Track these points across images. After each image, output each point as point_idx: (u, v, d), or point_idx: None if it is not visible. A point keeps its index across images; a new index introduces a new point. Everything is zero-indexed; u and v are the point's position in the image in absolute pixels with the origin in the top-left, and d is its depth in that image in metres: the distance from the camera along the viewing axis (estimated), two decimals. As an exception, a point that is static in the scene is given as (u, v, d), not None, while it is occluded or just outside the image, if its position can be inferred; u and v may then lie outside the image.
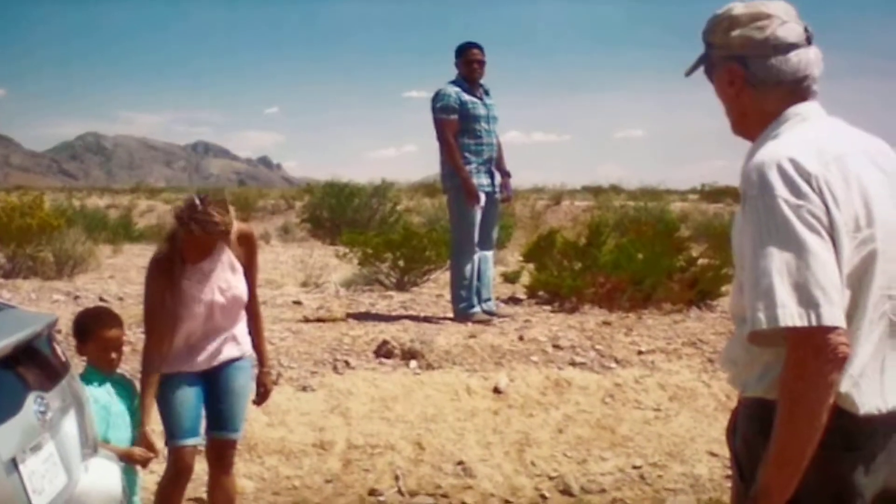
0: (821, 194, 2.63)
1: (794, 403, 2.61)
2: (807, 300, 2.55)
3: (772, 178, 2.65)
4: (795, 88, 2.92)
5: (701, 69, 3.10)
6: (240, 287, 5.54)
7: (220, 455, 5.66)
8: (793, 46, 2.89)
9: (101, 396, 5.13)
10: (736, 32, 2.91)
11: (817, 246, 2.58)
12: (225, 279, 5.46)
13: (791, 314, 2.55)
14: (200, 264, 5.38)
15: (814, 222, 2.60)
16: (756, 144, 2.90)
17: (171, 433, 5.45)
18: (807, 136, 2.81)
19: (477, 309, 10.23)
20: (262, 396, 5.94)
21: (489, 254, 10.51)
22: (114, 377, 5.33)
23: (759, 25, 2.90)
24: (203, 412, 5.55)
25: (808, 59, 2.92)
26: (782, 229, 2.60)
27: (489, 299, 10.55)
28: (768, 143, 2.82)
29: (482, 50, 10.28)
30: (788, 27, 2.90)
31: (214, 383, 5.51)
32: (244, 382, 5.67)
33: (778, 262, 2.58)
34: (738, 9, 2.94)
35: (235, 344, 5.59)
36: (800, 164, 2.66)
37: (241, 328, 5.64)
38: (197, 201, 5.20)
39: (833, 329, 2.55)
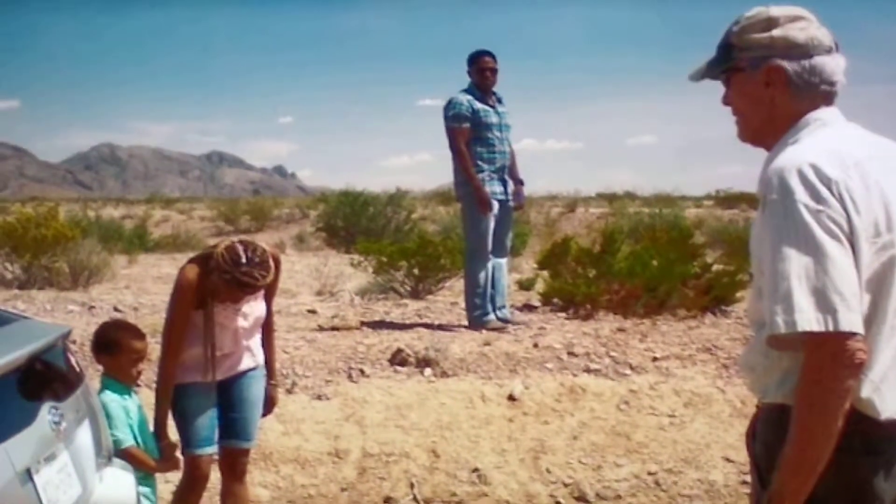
0: (841, 200, 2.63)
1: (810, 409, 2.61)
2: (825, 305, 2.55)
3: (792, 182, 2.65)
4: (827, 93, 2.91)
5: (708, 73, 3.09)
6: (261, 308, 5.56)
7: (234, 464, 5.66)
8: (830, 49, 2.90)
9: (130, 406, 5.16)
10: (777, 32, 2.89)
11: (836, 251, 2.58)
12: (250, 305, 5.47)
13: (809, 319, 2.55)
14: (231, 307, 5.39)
15: (833, 228, 2.59)
16: (775, 150, 2.89)
17: (188, 442, 5.44)
18: (828, 142, 2.80)
19: (491, 316, 10.21)
20: (268, 408, 5.91)
21: (503, 261, 10.49)
22: (131, 388, 5.34)
23: (800, 27, 2.89)
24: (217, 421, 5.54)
25: (839, 65, 2.92)
26: (801, 234, 2.60)
27: (504, 307, 10.51)
28: (788, 149, 2.82)
29: (494, 58, 10.25)
30: (824, 32, 2.91)
31: (229, 393, 5.50)
32: (258, 392, 5.67)
33: (796, 266, 2.58)
34: (775, 10, 2.93)
35: (251, 355, 5.60)
36: (821, 170, 2.65)
37: (256, 340, 5.65)
38: (242, 257, 5.06)
39: (851, 335, 2.55)
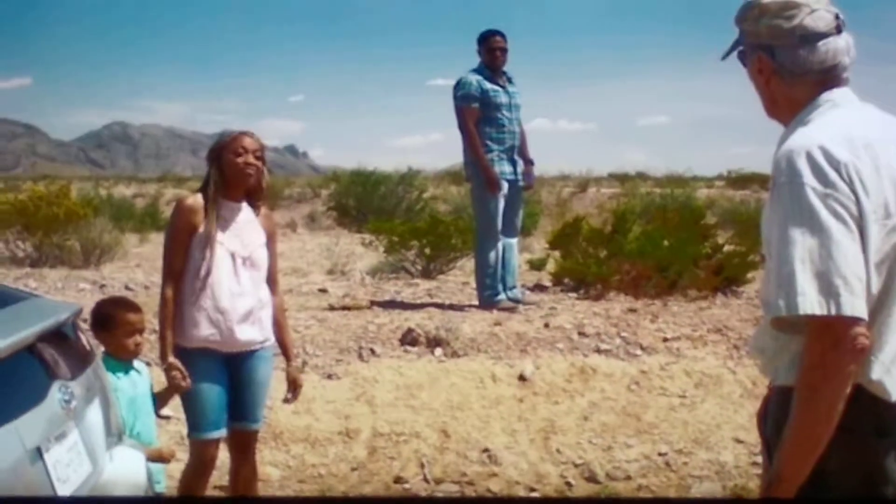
0: (850, 183, 2.62)
1: (811, 392, 2.63)
2: (827, 289, 2.55)
3: (800, 165, 2.65)
4: (824, 78, 2.90)
5: (734, 54, 3.10)
6: (262, 250, 5.52)
7: (244, 446, 5.65)
8: (821, 36, 2.88)
9: (125, 386, 5.13)
10: (764, 21, 2.91)
11: (842, 235, 2.58)
12: (248, 233, 5.46)
13: (811, 302, 2.55)
14: (229, 208, 5.40)
15: (840, 211, 2.59)
16: (787, 131, 2.90)
17: (196, 425, 5.42)
18: (838, 123, 2.79)
19: (502, 296, 10.21)
20: (294, 392, 5.87)
21: (514, 241, 10.53)
22: (132, 364, 5.31)
23: (788, 15, 2.88)
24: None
25: (837, 48, 2.89)
26: (808, 217, 2.60)
27: (514, 287, 10.51)
28: (799, 130, 2.82)
29: (504, 37, 10.25)
30: (817, 16, 2.88)
31: (237, 373, 5.45)
32: (267, 373, 5.63)
33: (801, 249, 2.58)
34: None
35: (261, 327, 5.51)
36: (830, 152, 2.65)
37: (266, 312, 5.58)
38: (227, 136, 5.40)
39: (853, 320, 2.56)
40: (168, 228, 5.50)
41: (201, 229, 5.29)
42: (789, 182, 2.66)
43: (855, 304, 2.55)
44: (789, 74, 2.90)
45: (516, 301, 10.34)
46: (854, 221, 2.60)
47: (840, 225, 2.58)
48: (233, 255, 5.35)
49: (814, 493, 2.71)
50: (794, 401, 2.65)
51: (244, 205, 5.48)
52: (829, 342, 2.57)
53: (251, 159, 5.37)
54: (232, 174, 5.36)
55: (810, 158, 2.65)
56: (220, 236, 5.31)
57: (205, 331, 5.31)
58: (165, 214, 32.38)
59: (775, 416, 2.90)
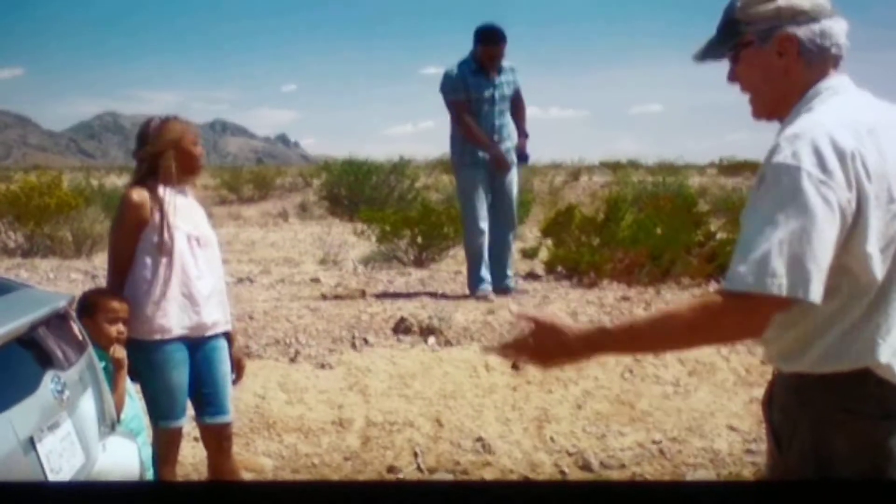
0: (853, 170, 2.62)
1: (690, 330, 2.73)
2: (799, 273, 2.57)
3: (802, 150, 2.64)
4: (836, 58, 2.91)
5: (713, 53, 3.07)
6: (209, 228, 5.57)
7: (220, 439, 5.60)
8: (833, 13, 2.89)
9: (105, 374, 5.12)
10: (782, 1, 2.87)
11: (827, 224, 2.59)
12: (193, 214, 5.49)
13: (779, 285, 2.57)
14: (175, 194, 5.36)
15: (832, 200, 2.59)
16: (788, 119, 2.88)
17: (162, 414, 5.37)
18: (841, 110, 2.79)
19: (486, 287, 10.05)
20: (239, 373, 5.86)
21: (507, 230, 10.38)
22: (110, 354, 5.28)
23: None
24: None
25: (843, 30, 2.91)
26: (798, 201, 2.59)
27: (507, 276, 10.38)
28: (803, 116, 2.81)
29: (503, 39, 10.02)
30: None
31: (201, 366, 5.41)
32: (227, 363, 5.59)
33: (783, 231, 2.58)
34: None
35: (224, 310, 5.54)
36: (835, 140, 2.64)
37: (223, 294, 5.59)
38: (157, 120, 5.48)
39: (809, 305, 2.61)
40: (116, 225, 5.45)
41: (156, 218, 5.25)
42: (787, 164, 2.64)
43: (819, 292, 2.58)
44: (817, 51, 2.88)
45: (506, 290, 10.21)
46: (841, 212, 2.60)
47: (828, 213, 2.58)
48: (188, 239, 5.33)
49: (821, 475, 2.73)
50: (659, 313, 2.83)
51: (184, 188, 5.48)
52: (758, 320, 2.65)
53: (201, 150, 5.51)
54: (189, 163, 5.41)
55: (813, 144, 2.63)
56: (172, 219, 5.28)
57: (175, 319, 5.28)
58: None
59: (782, 400, 2.92)
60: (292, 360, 8.06)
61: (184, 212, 5.38)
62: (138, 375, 5.39)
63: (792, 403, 2.84)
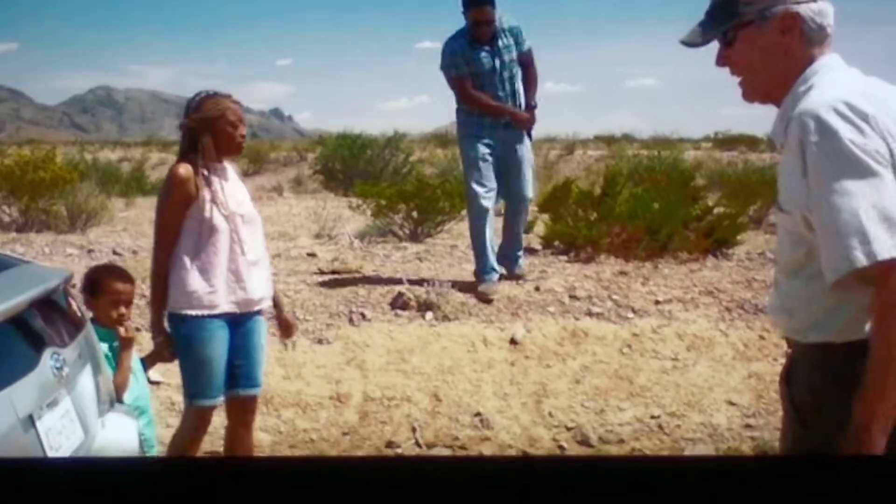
0: (879, 131, 2.66)
1: (891, 332, 2.62)
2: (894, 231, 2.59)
3: (833, 122, 2.66)
4: (829, 38, 2.93)
5: (708, 35, 3.05)
6: (251, 204, 5.57)
7: (244, 411, 5.62)
8: None
9: (110, 354, 5.09)
10: None
11: (890, 180, 2.64)
12: (238, 190, 5.50)
13: (888, 247, 2.58)
14: (219, 170, 5.38)
15: (881, 158, 2.64)
16: (791, 97, 2.90)
17: (198, 392, 5.36)
18: (848, 82, 2.83)
19: (494, 276, 9.42)
20: (290, 336, 6.09)
21: (518, 206, 9.67)
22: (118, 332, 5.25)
23: None
24: None
25: (831, 10, 2.94)
26: (857, 169, 2.63)
27: (517, 259, 9.86)
28: (812, 93, 2.83)
29: (492, 3, 9.10)
30: None
31: (239, 337, 5.43)
32: (264, 337, 5.64)
33: (861, 200, 2.60)
34: None
35: (268, 286, 5.59)
36: (855, 106, 2.68)
37: (268, 270, 5.65)
38: (202, 95, 5.43)
39: None
40: (163, 200, 5.39)
41: (204, 195, 5.24)
42: (826, 140, 2.66)
43: None
44: (817, 29, 2.90)
45: (518, 276, 9.73)
46: (892, 166, 2.65)
47: (886, 170, 2.63)
48: (234, 215, 5.33)
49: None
50: (872, 347, 2.63)
51: (226, 164, 5.48)
52: None
53: (244, 130, 5.43)
54: (227, 144, 5.37)
55: (840, 114, 2.67)
56: (218, 198, 5.28)
57: (223, 295, 5.30)
58: (151, 178, 32.34)
59: (807, 377, 2.92)
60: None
61: (228, 188, 5.39)
62: (178, 350, 5.39)
63: (817, 378, 2.84)
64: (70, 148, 50.64)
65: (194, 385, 5.37)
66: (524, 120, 9.32)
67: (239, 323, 5.41)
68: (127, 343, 5.17)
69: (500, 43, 9.25)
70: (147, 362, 5.54)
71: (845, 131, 2.64)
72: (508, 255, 9.74)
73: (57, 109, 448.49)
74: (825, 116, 2.67)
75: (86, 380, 4.09)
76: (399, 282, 9.35)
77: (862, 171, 2.61)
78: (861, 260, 2.58)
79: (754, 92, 3.03)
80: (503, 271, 9.65)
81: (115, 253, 11.53)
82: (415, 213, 14.86)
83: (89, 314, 5.19)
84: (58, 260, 10.91)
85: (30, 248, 12.02)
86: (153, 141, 77.64)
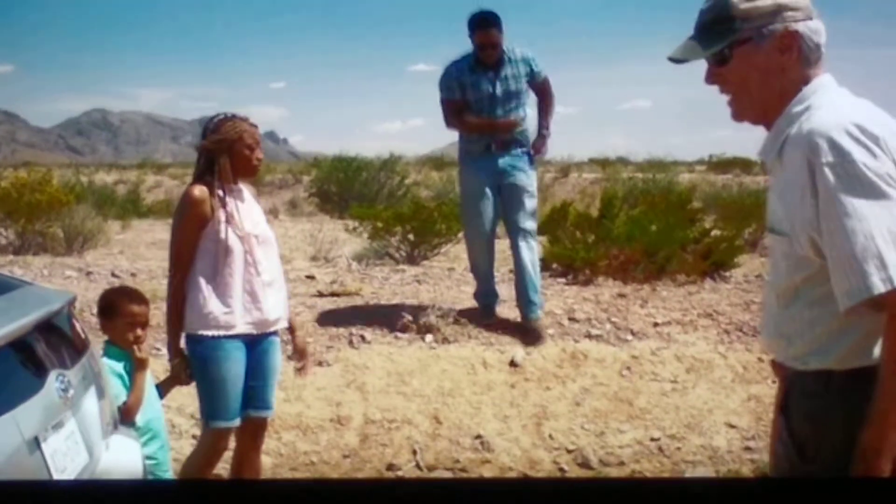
0: (888, 151, 2.65)
1: None
2: None
3: (846, 144, 2.64)
4: (824, 56, 2.91)
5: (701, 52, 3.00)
6: (267, 225, 5.60)
7: (255, 434, 5.64)
8: (814, 14, 2.89)
9: (126, 375, 5.10)
10: None
11: None
12: (253, 212, 5.52)
13: None
14: (234, 192, 5.41)
15: (892, 181, 2.62)
16: (786, 117, 2.87)
17: (216, 413, 5.36)
18: (852, 103, 2.82)
19: (491, 304, 9.21)
20: (304, 362, 5.99)
21: (516, 237, 8.98)
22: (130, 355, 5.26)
23: None
24: None
25: (823, 29, 2.92)
26: (871, 192, 2.60)
27: (530, 302, 8.95)
28: (816, 113, 2.79)
29: (497, 25, 8.76)
30: None
31: (254, 359, 5.44)
32: (279, 357, 5.67)
33: (876, 224, 2.58)
34: None
35: (283, 306, 5.60)
36: (866, 129, 2.65)
37: (283, 290, 5.67)
38: (220, 117, 5.44)
39: None
40: (178, 221, 5.39)
41: (219, 216, 5.26)
42: (839, 162, 2.63)
43: None
44: (814, 48, 2.89)
45: (531, 323, 8.91)
46: None
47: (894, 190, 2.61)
48: (249, 236, 5.35)
49: None
50: (882, 374, 2.62)
51: (241, 185, 5.50)
52: None
53: (260, 154, 5.47)
54: (244, 167, 5.41)
55: (852, 136, 2.64)
56: (234, 219, 5.31)
57: (239, 316, 5.31)
58: (147, 201, 32.31)
59: (807, 406, 2.88)
60: (289, 358, 8.03)
61: (244, 209, 5.41)
62: (195, 372, 5.39)
63: (819, 408, 2.81)
64: (65, 170, 50.67)
65: (211, 407, 5.36)
66: (507, 126, 8.86)
67: (255, 344, 5.41)
68: (141, 364, 5.18)
69: (506, 71, 8.86)
70: (163, 388, 5.55)
71: (858, 154, 2.61)
72: (521, 296, 9.00)
73: (52, 132, 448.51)
74: (838, 138, 2.64)
75: (90, 402, 4.09)
76: (398, 304, 9.36)
77: (876, 194, 2.59)
78: (878, 287, 2.56)
79: (745, 111, 2.99)
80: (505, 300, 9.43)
81: (113, 275, 11.52)
82: (411, 236, 14.86)
83: (96, 336, 5.21)
84: (57, 282, 10.90)
85: (28, 270, 12.00)
86: (148, 163, 77.72)
